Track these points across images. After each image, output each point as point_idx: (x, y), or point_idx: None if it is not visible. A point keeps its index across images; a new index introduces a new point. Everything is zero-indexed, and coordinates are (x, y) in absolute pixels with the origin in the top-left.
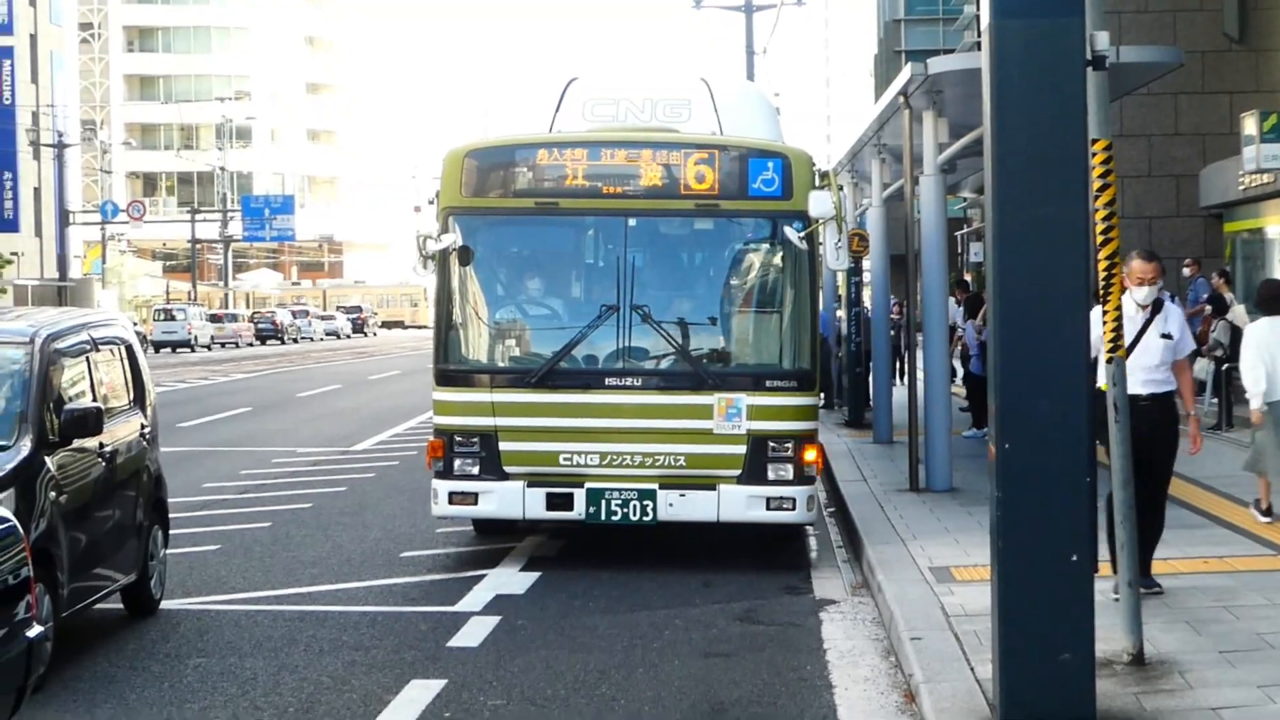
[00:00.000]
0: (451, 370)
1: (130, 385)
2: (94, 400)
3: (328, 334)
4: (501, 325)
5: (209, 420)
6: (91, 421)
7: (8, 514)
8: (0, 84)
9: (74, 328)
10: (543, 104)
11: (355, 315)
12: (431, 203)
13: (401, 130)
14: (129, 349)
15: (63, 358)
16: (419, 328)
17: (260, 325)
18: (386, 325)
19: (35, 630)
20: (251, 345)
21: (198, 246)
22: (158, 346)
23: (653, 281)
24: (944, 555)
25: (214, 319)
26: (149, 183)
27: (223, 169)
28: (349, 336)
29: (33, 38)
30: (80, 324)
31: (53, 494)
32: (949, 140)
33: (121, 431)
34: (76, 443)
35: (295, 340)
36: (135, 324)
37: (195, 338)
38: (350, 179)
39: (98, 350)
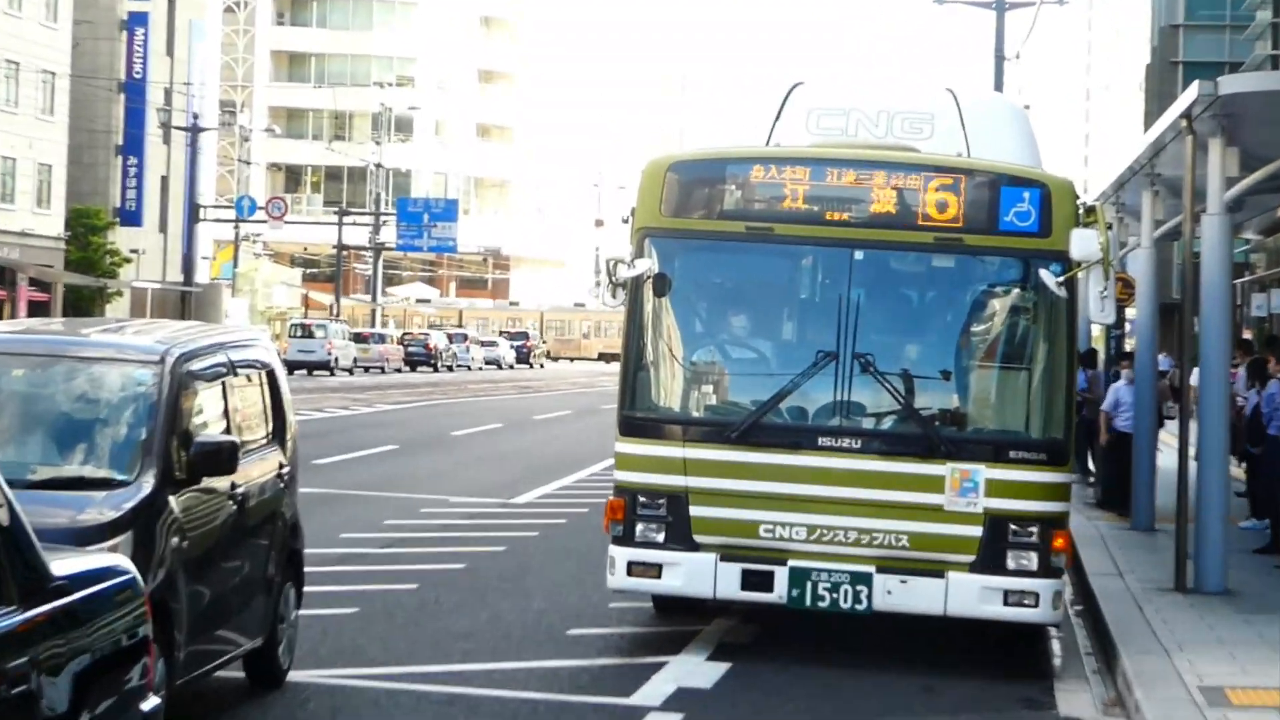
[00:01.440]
0: (639, 418)
1: (270, 417)
2: (228, 433)
3: (488, 363)
4: (700, 368)
5: (349, 458)
6: (225, 458)
7: (128, 564)
8: (131, 55)
9: (211, 347)
10: (758, 112)
11: (521, 343)
12: (626, 221)
13: (585, 130)
14: (271, 375)
15: (196, 381)
16: (590, 359)
17: (411, 349)
18: (552, 356)
19: (150, 703)
20: (400, 371)
21: (344, 254)
22: (292, 367)
23: (879, 325)
24: (1217, 672)
25: (358, 339)
26: (292, 177)
27: (378, 166)
28: (511, 367)
29: (170, 3)
30: (218, 343)
31: (175, 540)
32: (1239, 174)
33: (256, 471)
34: (205, 481)
35: (450, 368)
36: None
37: (336, 359)
38: (523, 184)
39: (235, 374)
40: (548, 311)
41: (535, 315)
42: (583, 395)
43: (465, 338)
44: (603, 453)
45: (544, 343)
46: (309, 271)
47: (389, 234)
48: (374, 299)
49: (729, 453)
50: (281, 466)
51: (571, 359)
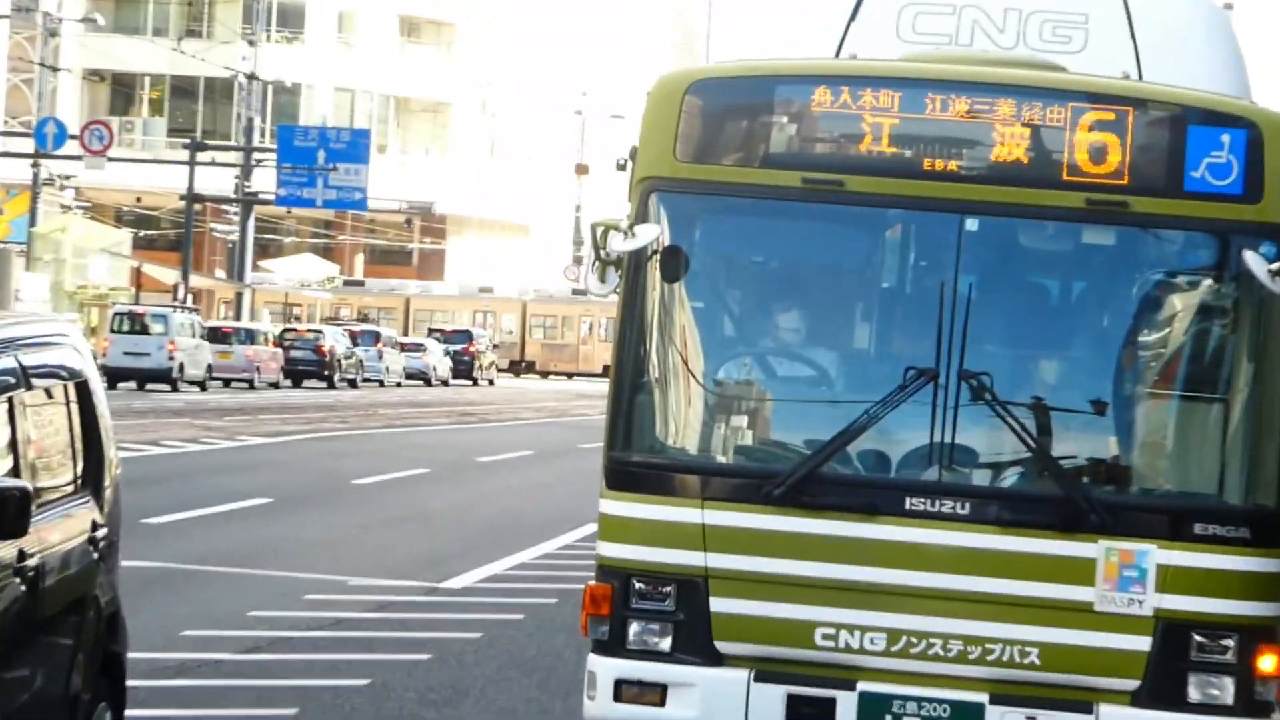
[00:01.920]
0: (636, 464)
1: (79, 453)
2: (16, 475)
3: (411, 376)
4: (728, 390)
5: (199, 516)
6: (9, 513)
7: None
8: None
9: None
10: (824, 7)
11: (460, 347)
12: (622, 167)
13: (563, 34)
14: (82, 389)
15: None
16: (595, 375)
17: (295, 353)
18: (538, 369)
19: None
20: (277, 386)
21: (197, 209)
22: (116, 377)
23: (1000, 330)
24: None
25: (216, 336)
26: (122, 92)
27: (251, 78)
28: (445, 383)
29: None
30: (2, 339)
31: None
32: None
33: (57, 534)
34: None
35: (353, 383)
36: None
37: (181, 367)
38: (468, 109)
39: (28, 387)
40: (533, 302)
41: (514, 307)
42: (551, 428)
43: (377, 338)
44: (579, 514)
45: (493, 346)
46: (143, 234)
47: (265, 180)
48: (240, 277)
49: (770, 517)
50: (95, 527)
51: (569, 374)
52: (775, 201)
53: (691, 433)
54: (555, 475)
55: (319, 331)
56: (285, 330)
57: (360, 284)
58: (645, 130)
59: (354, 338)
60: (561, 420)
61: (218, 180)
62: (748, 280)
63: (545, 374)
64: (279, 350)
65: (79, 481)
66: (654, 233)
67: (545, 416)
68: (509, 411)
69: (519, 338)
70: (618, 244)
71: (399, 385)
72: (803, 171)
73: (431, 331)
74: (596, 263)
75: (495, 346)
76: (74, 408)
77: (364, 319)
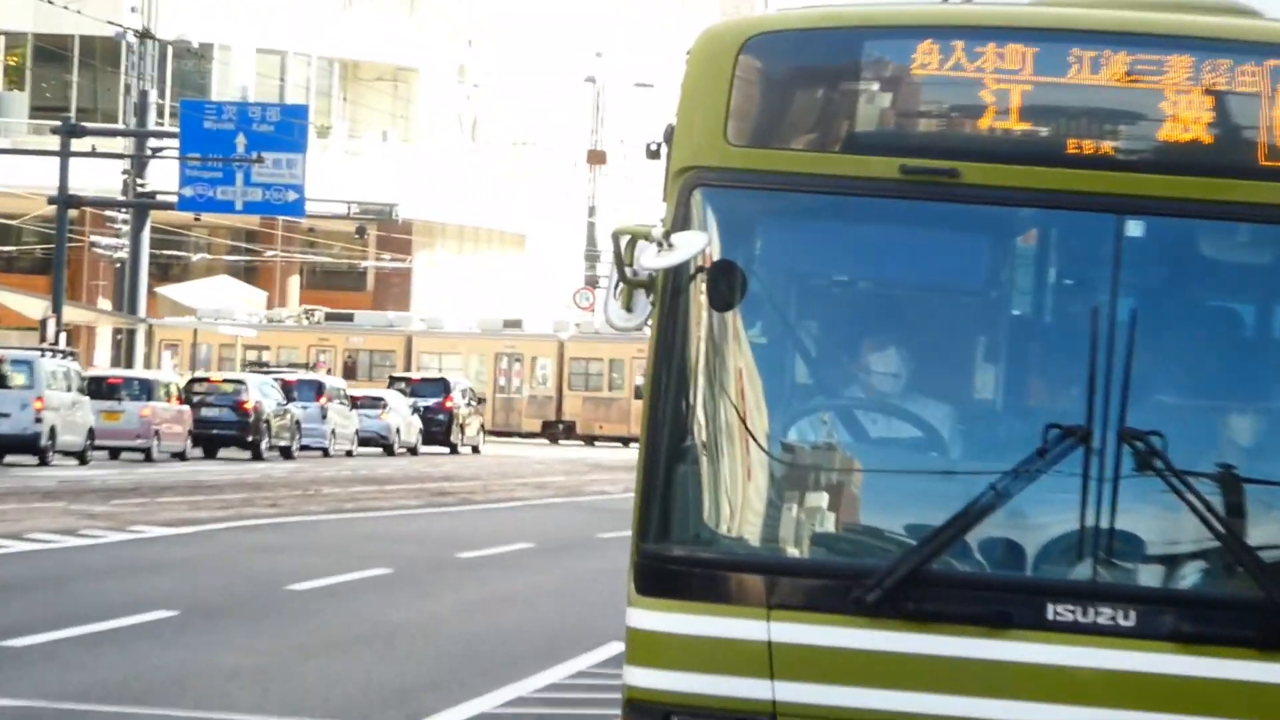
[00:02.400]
0: (676, 559)
1: None
2: None
3: (366, 442)
4: (800, 457)
5: (78, 635)
6: None
7: None
8: None
9: None
10: None
11: (434, 402)
12: (653, 154)
13: None
14: None
15: None
16: (630, 442)
17: (208, 411)
18: (581, 435)
19: None
20: (184, 457)
21: (72, 215)
22: None
23: (1173, 374)
24: None
25: (99, 390)
26: None
27: (143, 36)
28: (413, 451)
29: None
30: None
31: None
32: None
33: None
34: None
35: (286, 451)
36: None
37: (52, 431)
38: (440, 76)
39: None
40: (573, 341)
41: (548, 348)
42: (557, 511)
43: (319, 391)
44: (598, 630)
45: (477, 401)
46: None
47: (165, 176)
48: (131, 308)
49: (861, 632)
50: None
51: (625, 441)
52: (863, 199)
53: (752, 516)
54: (564, 577)
55: (239, 383)
56: (194, 381)
57: (348, 318)
58: (685, 103)
59: (287, 390)
60: (573, 500)
61: (100, 176)
62: (827, 307)
63: (590, 440)
64: (185, 408)
65: None
66: (698, 243)
67: (550, 495)
68: (500, 489)
69: (555, 389)
70: (649, 259)
71: (349, 454)
72: (901, 158)
73: (394, 381)
74: (620, 285)
75: (479, 401)
76: None
77: (312, 366)
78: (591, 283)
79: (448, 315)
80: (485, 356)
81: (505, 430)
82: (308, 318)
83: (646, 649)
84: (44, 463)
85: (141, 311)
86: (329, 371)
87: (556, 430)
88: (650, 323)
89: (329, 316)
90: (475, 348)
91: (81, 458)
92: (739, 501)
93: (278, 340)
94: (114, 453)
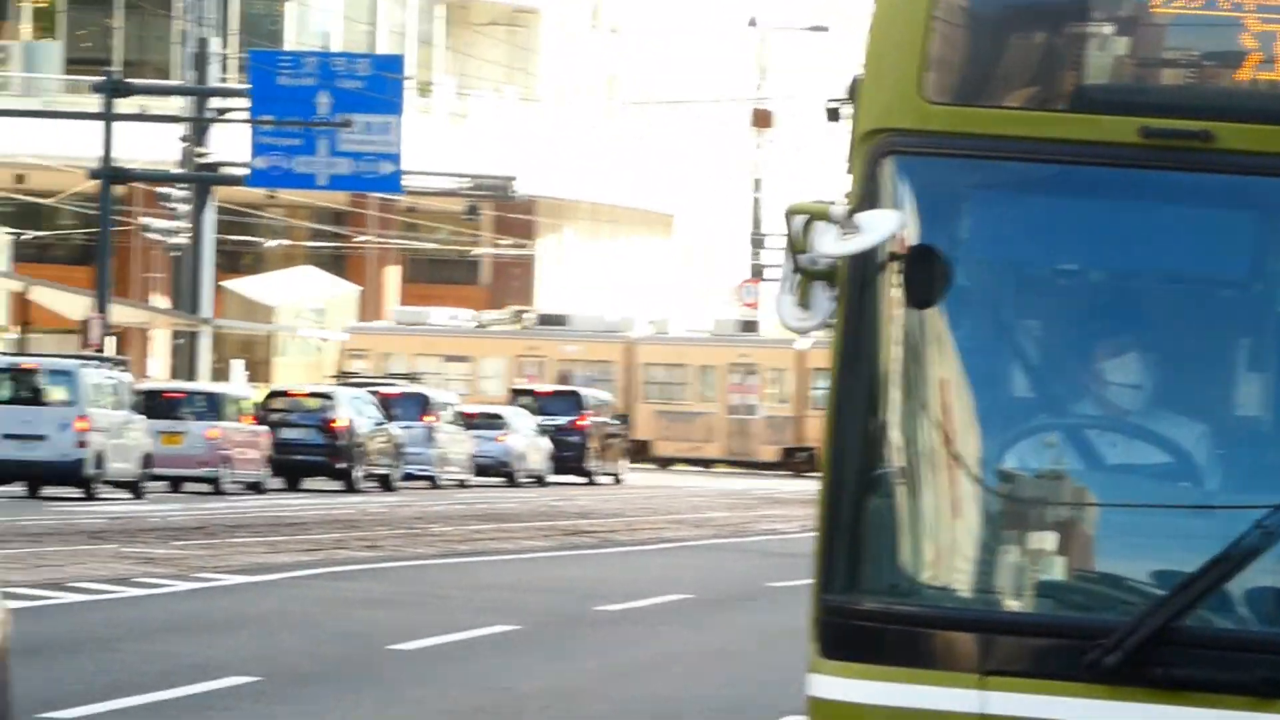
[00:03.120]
0: (867, 614)
1: None
2: None
3: (483, 468)
4: (1020, 487)
5: (134, 706)
6: None
7: None
8: None
9: None
10: None
11: (565, 420)
12: (835, 114)
13: None
14: None
15: None
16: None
17: (289, 432)
18: (793, 462)
19: None
20: (261, 489)
21: (120, 192)
22: None
23: None
24: None
25: (158, 408)
26: None
27: None
28: (541, 481)
29: None
30: None
31: None
32: None
33: None
34: None
35: (385, 481)
36: None
37: (99, 458)
38: (569, 20)
39: None
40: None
41: (783, 358)
42: (720, 554)
43: (424, 406)
44: (772, 700)
45: (614, 418)
46: (29, 236)
47: (232, 144)
48: (193, 306)
49: (1097, 703)
50: None
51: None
52: (1094, 169)
53: (961, 560)
54: (728, 635)
55: (327, 397)
56: (272, 396)
57: (559, 321)
58: (873, 52)
59: (386, 406)
60: (738, 542)
61: (151, 144)
62: (1050, 302)
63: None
64: (262, 429)
65: None
66: (890, 224)
67: (710, 535)
68: (647, 528)
69: (795, 408)
70: (830, 244)
71: (462, 485)
72: (1141, 118)
73: (516, 395)
74: (795, 275)
75: (617, 419)
76: None
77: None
78: (757, 273)
79: (672, 318)
80: (717, 369)
81: (740, 459)
82: (516, 320)
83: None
84: (90, 496)
85: (205, 310)
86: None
87: (798, 460)
88: (831, 323)
89: (543, 319)
90: (707, 357)
91: (135, 490)
92: (945, 543)
93: (480, 348)
94: (175, 484)
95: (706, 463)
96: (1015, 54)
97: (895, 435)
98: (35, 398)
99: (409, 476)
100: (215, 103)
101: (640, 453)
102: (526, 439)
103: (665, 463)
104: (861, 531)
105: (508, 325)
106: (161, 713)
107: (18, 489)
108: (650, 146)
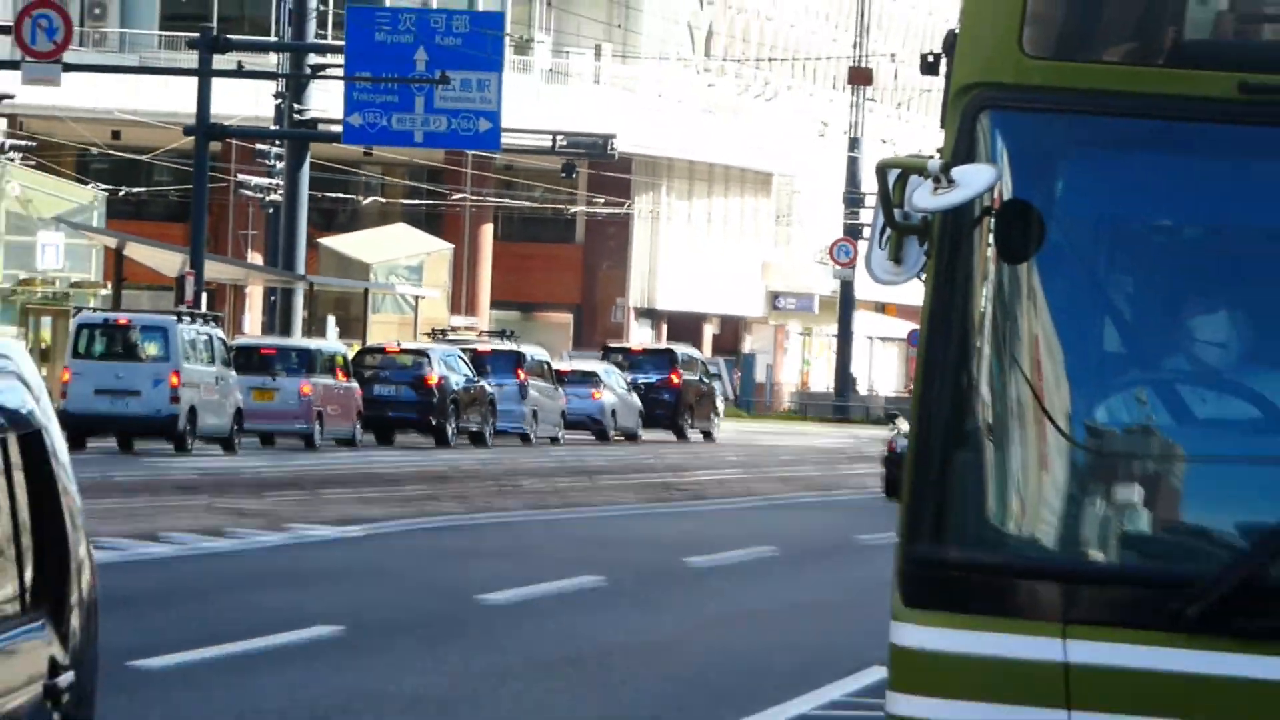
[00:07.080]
0: (952, 565)
1: (26, 551)
2: None
3: (575, 426)
4: (1108, 441)
5: (224, 656)
6: None
7: None
8: None
9: None
10: None
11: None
12: (933, 67)
13: None
14: (31, 448)
15: None
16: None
17: (382, 388)
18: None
19: None
20: (354, 444)
21: (214, 149)
22: (83, 429)
23: None
24: None
25: (250, 363)
26: None
27: None
28: (633, 437)
29: None
30: None
31: None
32: None
33: None
34: None
35: (478, 437)
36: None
37: (192, 412)
38: None
39: None
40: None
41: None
42: (807, 511)
43: (518, 363)
44: (858, 652)
45: (713, 379)
46: (126, 193)
47: (328, 101)
48: (288, 263)
49: (1180, 652)
50: (56, 670)
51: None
52: (1192, 124)
53: (1047, 512)
54: (815, 587)
55: (421, 354)
56: (365, 352)
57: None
58: (970, 6)
59: (479, 363)
60: (827, 498)
61: (248, 101)
62: (1144, 258)
63: None
64: (354, 385)
65: (26, 597)
66: (986, 178)
67: (798, 491)
68: (738, 485)
69: None
70: (924, 198)
71: (555, 441)
72: (1241, 74)
73: (609, 352)
74: (887, 231)
75: (711, 377)
76: (16, 476)
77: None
78: (852, 233)
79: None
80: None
81: None
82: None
83: (915, 673)
84: (182, 450)
85: (299, 266)
86: None
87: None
88: (924, 277)
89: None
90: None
91: (228, 444)
92: (1031, 495)
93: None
94: (267, 438)
95: None
96: (1113, 9)
97: (984, 389)
98: (129, 353)
99: (501, 432)
100: (312, 59)
101: None
102: (618, 396)
103: None
104: (948, 485)
105: None
106: (249, 661)
107: (109, 444)
108: (747, 105)
